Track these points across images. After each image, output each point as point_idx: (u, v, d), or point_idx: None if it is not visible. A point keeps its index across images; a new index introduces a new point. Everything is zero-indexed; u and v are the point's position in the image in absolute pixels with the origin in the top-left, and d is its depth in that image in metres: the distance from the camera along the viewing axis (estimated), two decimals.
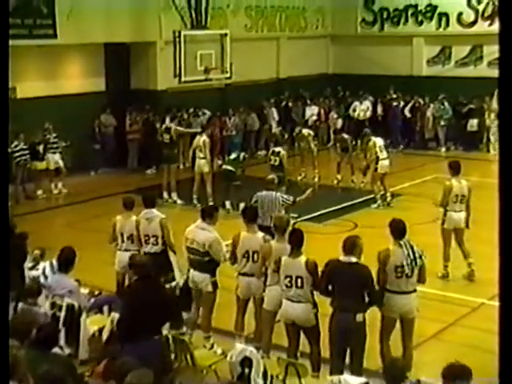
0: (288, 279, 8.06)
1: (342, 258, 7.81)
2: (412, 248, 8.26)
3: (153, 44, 21.39)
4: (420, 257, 8.24)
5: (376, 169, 16.49)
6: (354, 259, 7.77)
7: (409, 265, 8.16)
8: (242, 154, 17.50)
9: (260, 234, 9.01)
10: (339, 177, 18.74)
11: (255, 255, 8.83)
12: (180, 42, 20.55)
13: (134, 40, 20.88)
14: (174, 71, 20.73)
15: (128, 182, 18.78)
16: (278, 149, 16.36)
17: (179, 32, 20.73)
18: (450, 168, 11.98)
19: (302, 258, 8.06)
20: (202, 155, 16.60)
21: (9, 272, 4.85)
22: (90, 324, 8.73)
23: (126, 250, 10.06)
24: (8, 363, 4.65)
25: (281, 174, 14.89)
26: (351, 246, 7.83)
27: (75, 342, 8.38)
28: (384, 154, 16.57)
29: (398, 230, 8.37)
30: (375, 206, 16.52)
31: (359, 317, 7.65)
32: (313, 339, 8.30)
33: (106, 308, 9.33)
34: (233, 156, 17.17)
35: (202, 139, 16.69)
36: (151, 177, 20.23)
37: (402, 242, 8.27)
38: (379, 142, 16.73)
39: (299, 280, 8.01)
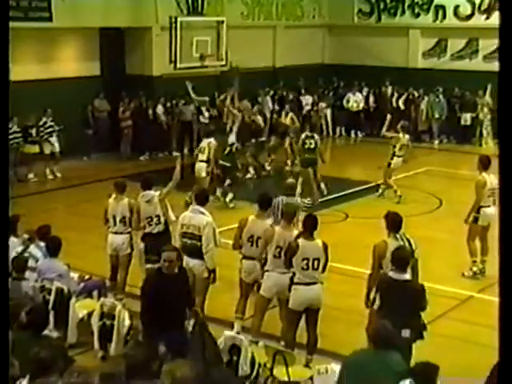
0: (305, 261, 8.18)
1: (393, 274, 7.50)
2: (409, 241, 8.28)
3: (148, 30, 21.30)
4: (415, 250, 8.27)
5: (389, 164, 16.37)
6: (407, 276, 7.55)
7: None
8: (235, 146, 17.41)
9: (268, 221, 9.09)
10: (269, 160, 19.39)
11: (259, 240, 8.93)
12: (176, 28, 20.53)
13: (130, 25, 20.79)
14: (170, 57, 20.71)
15: (121, 168, 18.77)
16: (312, 133, 17.40)
17: (175, 18, 20.71)
18: (479, 162, 11.75)
19: (319, 241, 8.29)
20: (202, 158, 15.53)
21: (8, 270, 4.83)
22: (79, 308, 8.75)
23: (118, 233, 10.15)
24: (8, 362, 4.63)
25: (314, 157, 16.52)
26: (404, 260, 7.56)
27: (64, 326, 8.41)
28: (402, 152, 16.39)
29: (394, 222, 8.37)
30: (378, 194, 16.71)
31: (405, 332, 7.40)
32: (315, 321, 8.43)
33: (95, 293, 9.35)
34: (226, 151, 16.96)
35: (208, 141, 15.71)
36: (144, 163, 20.21)
37: (398, 235, 8.28)
38: (405, 139, 16.50)
39: (316, 262, 8.20)
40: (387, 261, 7.99)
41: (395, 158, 16.28)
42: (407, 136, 16.61)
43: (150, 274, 8.32)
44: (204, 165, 15.43)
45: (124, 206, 10.10)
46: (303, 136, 17.25)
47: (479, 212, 11.59)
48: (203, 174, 15.41)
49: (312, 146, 16.79)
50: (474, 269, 11.75)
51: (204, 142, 15.79)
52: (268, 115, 22.71)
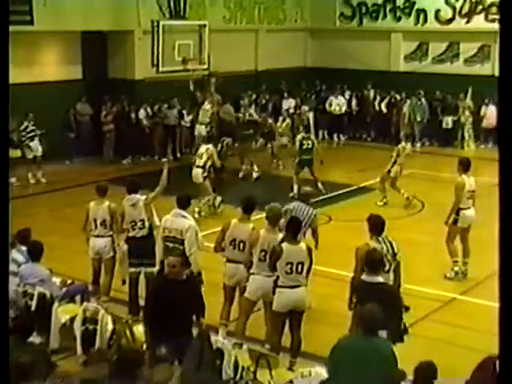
0: (289, 265, 8.19)
1: (366, 277, 7.50)
2: (391, 244, 8.32)
3: (131, 33, 21.27)
4: (398, 252, 8.31)
5: (389, 171, 16.21)
6: (380, 279, 7.54)
7: (389, 261, 8.23)
8: (226, 141, 17.47)
9: (250, 225, 9.09)
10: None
11: (241, 244, 8.96)
12: (158, 32, 20.51)
13: (112, 29, 20.75)
14: (152, 61, 20.69)
15: (103, 172, 18.71)
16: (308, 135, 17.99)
17: (157, 22, 20.70)
18: (460, 165, 11.87)
19: (303, 245, 8.34)
20: (199, 163, 15.33)
21: (8, 268, 4.80)
22: (62, 313, 8.70)
23: (99, 236, 10.14)
24: (8, 363, 4.62)
25: (311, 157, 17.17)
26: (377, 262, 7.57)
27: (46, 331, 8.37)
28: (402, 160, 16.29)
29: (376, 225, 8.42)
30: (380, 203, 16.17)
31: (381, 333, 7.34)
32: (299, 324, 8.46)
33: (78, 297, 9.32)
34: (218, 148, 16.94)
35: (206, 147, 15.54)
36: (127, 167, 20.17)
37: (380, 238, 8.32)
38: (407, 149, 16.55)
39: (300, 266, 8.22)
40: None
41: (396, 166, 16.15)
42: (409, 144, 16.71)
43: (153, 279, 8.28)
44: (200, 170, 15.27)
45: (104, 210, 10.10)
46: (299, 137, 17.52)
47: (459, 214, 11.69)
48: (200, 180, 15.27)
49: (309, 147, 17.23)
50: (456, 269, 11.83)
51: (202, 148, 15.61)
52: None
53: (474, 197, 11.80)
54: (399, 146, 16.59)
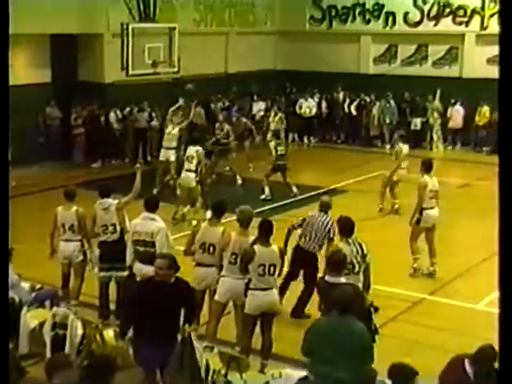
0: (262, 268, 8.22)
1: (329, 278, 7.56)
2: (360, 245, 8.39)
3: (100, 36, 21.17)
4: (367, 254, 8.38)
5: (391, 175, 15.85)
6: (342, 279, 7.57)
7: (359, 262, 8.29)
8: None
9: (221, 228, 9.05)
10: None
11: (211, 247, 8.94)
12: (128, 35, 20.48)
13: (81, 32, 20.63)
14: (122, 64, 20.63)
15: (73, 176, 18.60)
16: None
17: (127, 25, 20.66)
18: (422, 166, 12.12)
19: (275, 247, 8.36)
20: (190, 166, 14.76)
21: (8, 270, 4.76)
22: (31, 318, 8.65)
23: (68, 241, 10.08)
24: (8, 363, 4.58)
25: (285, 162, 17.05)
26: (339, 263, 7.63)
27: (15, 337, 8.31)
28: (406, 163, 15.95)
29: (346, 227, 8.53)
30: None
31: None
32: (270, 326, 8.51)
33: (47, 302, 9.26)
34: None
35: (196, 149, 14.89)
36: (97, 171, 20.07)
37: (350, 240, 8.39)
38: (405, 150, 16.12)
39: (272, 268, 8.25)
40: None
41: (399, 171, 15.75)
42: (406, 146, 16.32)
43: (140, 283, 8.16)
44: (193, 175, 14.72)
45: (72, 215, 10.02)
46: (273, 143, 17.51)
47: (422, 214, 11.91)
48: (193, 184, 14.71)
49: (283, 153, 17.17)
50: (415, 265, 12.06)
51: (191, 150, 14.91)
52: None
53: (437, 197, 12.04)
54: (396, 148, 16.30)
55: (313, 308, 8.46)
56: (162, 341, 6.95)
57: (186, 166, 14.87)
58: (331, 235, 10.00)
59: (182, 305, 7.20)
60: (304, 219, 10.35)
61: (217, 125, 19.24)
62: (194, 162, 14.73)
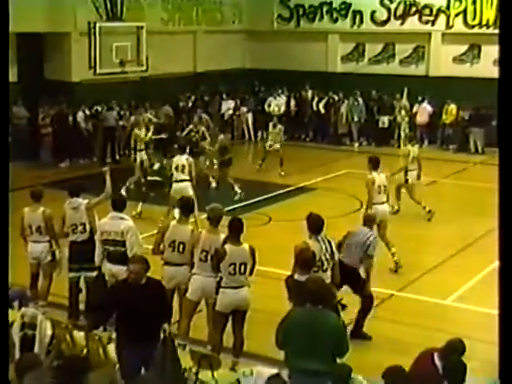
0: (232, 267, 8.23)
1: (298, 276, 7.67)
2: (329, 243, 8.44)
3: (67, 35, 21.04)
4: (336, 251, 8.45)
5: (406, 180, 15.22)
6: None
7: (327, 259, 8.34)
8: (165, 162, 16.61)
9: (190, 226, 9.09)
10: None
11: (181, 246, 8.91)
12: (95, 34, 20.38)
13: (48, 30, 20.48)
14: (89, 63, 20.52)
15: (41, 175, 18.43)
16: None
17: (94, 23, 20.55)
18: (369, 163, 12.41)
19: (246, 245, 8.34)
20: (183, 176, 14.12)
21: (8, 269, 4.72)
22: None
23: (36, 242, 10.00)
24: (8, 361, 4.54)
25: (229, 157, 16.85)
26: (308, 261, 7.75)
27: None
28: (414, 165, 15.35)
29: (315, 224, 8.56)
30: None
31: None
32: (242, 324, 8.54)
33: (16, 302, 9.19)
34: (156, 166, 16.64)
35: (185, 158, 14.32)
36: (65, 170, 19.92)
37: (319, 237, 8.43)
38: (413, 151, 15.51)
39: (242, 266, 8.26)
40: None
41: (409, 173, 15.22)
42: (416, 147, 15.84)
43: (115, 285, 8.10)
44: (189, 184, 14.09)
45: (39, 216, 9.93)
46: (221, 138, 17.79)
47: (371, 209, 12.08)
48: (190, 193, 13.58)
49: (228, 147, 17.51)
50: (395, 259, 12.21)
51: (181, 160, 14.27)
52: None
53: (385, 192, 12.32)
54: (404, 149, 15.89)
55: (284, 305, 8.48)
56: (143, 342, 6.96)
57: (178, 176, 14.17)
58: (370, 252, 9.73)
59: (158, 304, 7.22)
60: (348, 234, 9.90)
61: (191, 126, 18.95)
62: (186, 170, 14.16)
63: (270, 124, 19.73)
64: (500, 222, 4.20)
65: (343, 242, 9.73)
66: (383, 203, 12.26)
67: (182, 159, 14.30)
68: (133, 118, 19.24)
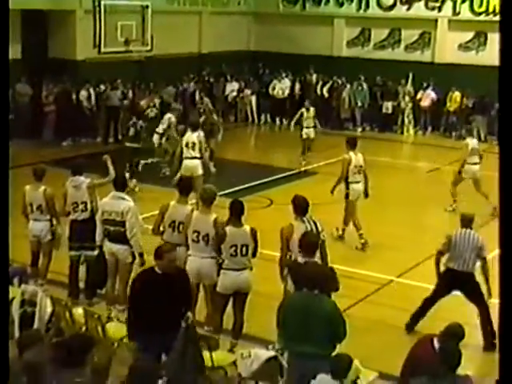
0: (233, 248, 8.29)
1: (302, 259, 7.67)
2: (315, 223, 8.50)
3: (72, 13, 20.95)
4: (321, 232, 8.50)
5: (460, 172, 14.82)
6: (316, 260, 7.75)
7: None
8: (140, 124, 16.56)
9: (189, 207, 9.10)
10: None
11: (181, 226, 8.92)
12: (100, 12, 20.31)
13: (53, 8, 20.39)
14: (94, 41, 20.46)
15: (43, 154, 18.42)
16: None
17: (99, 1, 20.45)
18: (347, 143, 12.79)
19: (247, 227, 8.38)
20: (193, 153, 13.95)
21: (8, 269, 4.71)
22: None
23: (36, 220, 10.02)
24: (8, 360, 4.55)
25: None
26: (312, 245, 7.75)
27: None
28: (474, 159, 14.74)
29: (301, 206, 8.63)
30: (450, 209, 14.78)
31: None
32: (243, 306, 8.59)
33: (16, 279, 9.23)
34: (131, 132, 16.39)
35: (196, 134, 14.13)
36: (67, 149, 19.91)
37: (304, 218, 8.49)
38: (472, 143, 14.97)
39: (244, 248, 8.32)
40: (294, 242, 8.25)
41: (466, 166, 14.72)
42: (475, 140, 15.30)
43: (144, 273, 8.06)
44: (198, 162, 13.97)
45: (40, 195, 9.93)
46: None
47: (349, 188, 12.53)
48: (199, 172, 13.87)
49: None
50: (361, 240, 12.52)
51: (192, 137, 14.15)
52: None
53: (360, 172, 12.61)
54: (463, 142, 15.44)
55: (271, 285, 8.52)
56: (168, 329, 6.98)
57: (188, 153, 14.01)
58: (484, 254, 9.14)
59: (184, 292, 7.33)
60: (449, 241, 9.33)
61: (198, 106, 18.99)
62: (197, 148, 14.03)
63: (303, 109, 18.91)
64: (501, 210, 4.20)
65: (447, 250, 9.31)
66: (358, 182, 12.61)
67: (192, 136, 14.15)
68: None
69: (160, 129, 16.04)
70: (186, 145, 14.11)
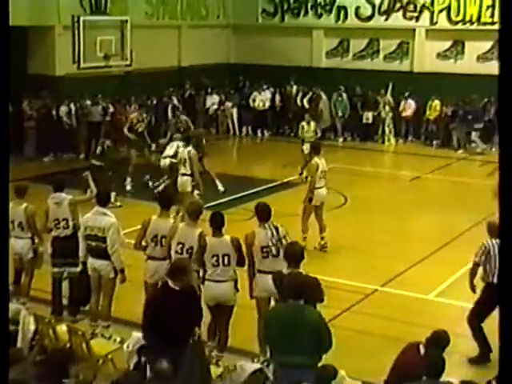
0: (215, 258, 8.29)
1: (287, 270, 7.66)
2: (276, 229, 8.55)
3: (51, 29, 20.90)
4: (284, 237, 8.53)
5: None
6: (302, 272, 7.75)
7: (274, 245, 8.43)
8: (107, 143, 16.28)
9: (171, 220, 9.15)
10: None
11: (163, 240, 8.91)
12: (79, 28, 20.31)
13: (32, 24, 20.33)
14: (73, 57, 20.42)
15: (24, 170, 18.29)
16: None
17: (78, 17, 20.45)
18: (312, 149, 13.14)
19: (227, 237, 8.42)
20: (185, 171, 13.90)
21: (8, 270, 4.66)
22: None
23: (18, 238, 9.89)
24: (8, 359, 4.50)
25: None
26: (297, 255, 7.71)
27: None
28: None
29: (263, 212, 8.72)
30: None
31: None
32: (227, 319, 8.57)
33: None
34: (98, 150, 16.24)
35: (187, 150, 14.06)
36: (48, 164, 19.83)
37: (266, 225, 8.56)
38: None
39: (226, 258, 8.32)
40: (256, 248, 8.41)
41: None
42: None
43: (159, 290, 7.99)
44: (189, 179, 13.86)
45: (21, 212, 9.80)
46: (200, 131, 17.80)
47: (313, 193, 12.61)
48: (189, 189, 13.74)
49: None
50: (303, 243, 12.08)
51: (183, 153, 14.17)
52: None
53: (325, 177, 12.79)
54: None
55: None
56: (178, 344, 7.02)
57: (181, 170, 14.01)
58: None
59: (194, 308, 7.39)
60: (482, 252, 8.74)
61: (175, 119, 18.89)
62: (187, 164, 13.94)
63: (304, 123, 18.63)
64: (500, 213, 4.22)
65: (486, 263, 8.74)
66: (322, 187, 12.77)
67: (184, 152, 14.16)
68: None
69: (171, 152, 15.23)
70: (180, 161, 14.17)
